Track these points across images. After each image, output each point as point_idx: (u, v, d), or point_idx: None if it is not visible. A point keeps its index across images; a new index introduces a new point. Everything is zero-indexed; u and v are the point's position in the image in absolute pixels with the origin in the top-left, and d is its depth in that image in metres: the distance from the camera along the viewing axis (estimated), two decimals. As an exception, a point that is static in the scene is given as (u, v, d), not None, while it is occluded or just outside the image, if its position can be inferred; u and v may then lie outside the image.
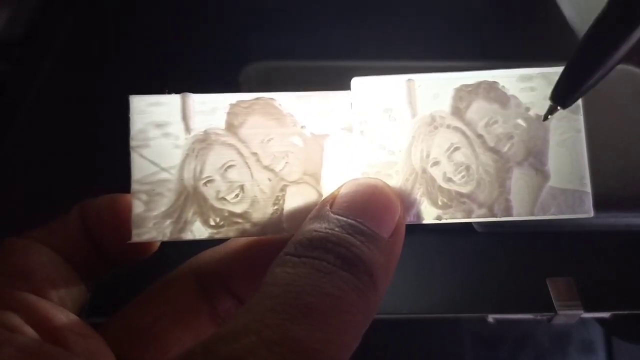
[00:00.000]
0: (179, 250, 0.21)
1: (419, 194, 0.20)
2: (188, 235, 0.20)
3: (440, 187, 0.20)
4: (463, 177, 0.20)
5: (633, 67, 0.41)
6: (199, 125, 0.20)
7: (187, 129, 0.20)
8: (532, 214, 0.20)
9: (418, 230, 0.20)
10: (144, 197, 0.19)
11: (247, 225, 0.20)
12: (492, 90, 0.20)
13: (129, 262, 0.21)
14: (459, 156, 0.20)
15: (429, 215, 0.20)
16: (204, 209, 0.20)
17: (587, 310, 0.31)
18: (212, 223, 0.20)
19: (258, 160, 0.20)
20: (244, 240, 0.22)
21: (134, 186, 0.19)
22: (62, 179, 0.38)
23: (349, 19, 0.49)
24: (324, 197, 0.20)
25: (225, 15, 0.50)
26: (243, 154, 0.20)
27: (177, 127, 0.20)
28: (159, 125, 0.20)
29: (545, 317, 0.32)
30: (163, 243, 0.20)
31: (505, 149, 0.20)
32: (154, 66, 0.44)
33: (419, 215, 0.20)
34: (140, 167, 0.19)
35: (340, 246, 0.17)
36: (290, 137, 0.20)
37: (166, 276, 0.22)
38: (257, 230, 0.20)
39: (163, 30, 0.48)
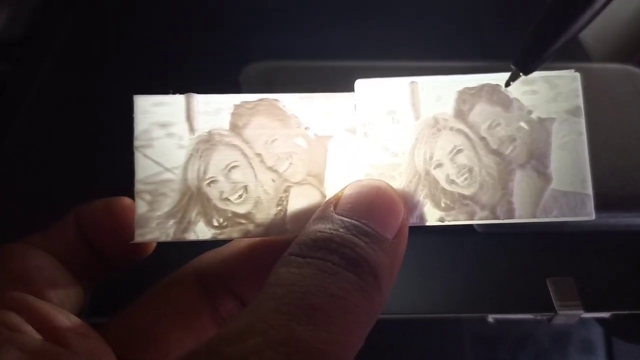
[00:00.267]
0: (181, 251, 0.21)
1: (422, 196, 0.20)
2: (191, 236, 0.20)
3: (443, 189, 0.20)
4: (466, 179, 0.20)
5: (633, 67, 0.41)
6: (203, 125, 0.20)
7: (191, 129, 0.20)
8: (534, 216, 0.20)
9: (418, 230, 0.20)
10: (147, 197, 0.19)
11: (251, 226, 0.20)
12: (494, 93, 0.20)
13: (126, 264, 0.21)
14: (461, 158, 0.20)
15: (432, 217, 0.20)
16: (208, 210, 0.20)
17: (587, 310, 0.31)
18: (216, 223, 0.20)
19: (262, 161, 0.20)
20: (246, 241, 0.22)
21: (138, 186, 0.19)
22: (62, 179, 0.38)
23: (349, 19, 0.50)
24: (327, 198, 0.20)
25: (225, 15, 0.50)
26: (247, 154, 0.20)
27: (181, 128, 0.20)
28: (163, 126, 0.20)
29: (545, 317, 0.32)
30: (164, 244, 0.20)
31: (508, 151, 0.20)
32: (154, 66, 0.44)
33: (422, 217, 0.20)
34: (144, 167, 0.19)
35: (344, 247, 0.17)
36: (294, 138, 0.20)
37: (168, 277, 0.22)
38: (261, 231, 0.20)
39: (163, 30, 0.48)
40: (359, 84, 0.20)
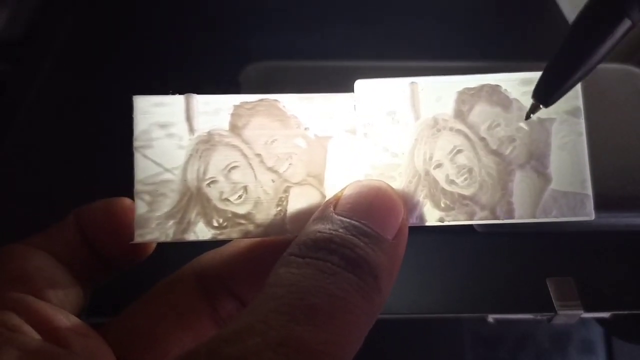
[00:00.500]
0: (181, 251, 0.21)
1: (421, 196, 0.20)
2: (191, 236, 0.20)
3: (443, 189, 0.20)
4: (466, 179, 0.20)
5: (633, 67, 0.41)
6: (202, 126, 0.20)
7: (191, 130, 0.20)
8: (534, 217, 0.20)
9: (418, 230, 0.20)
10: (147, 197, 0.19)
11: (250, 227, 0.20)
12: (494, 94, 0.20)
13: (126, 265, 0.21)
14: (461, 159, 0.20)
15: (432, 217, 0.20)
16: (207, 210, 0.20)
17: (587, 310, 0.31)
18: (215, 224, 0.20)
19: (262, 161, 0.20)
20: (246, 241, 0.22)
21: (137, 186, 0.19)
22: (62, 179, 0.38)
23: (349, 19, 0.50)
24: (327, 198, 0.20)
25: (225, 16, 0.50)
26: (247, 155, 0.20)
27: (181, 128, 0.20)
28: (163, 126, 0.20)
29: (545, 317, 0.32)
30: (164, 244, 0.20)
31: (508, 151, 0.20)
32: (154, 66, 0.44)
33: (421, 217, 0.20)
34: (143, 168, 0.19)
35: (344, 247, 0.17)
36: (294, 138, 0.20)
37: (168, 277, 0.22)
38: (260, 232, 0.20)
39: (163, 30, 0.48)
40: (359, 84, 0.20)
